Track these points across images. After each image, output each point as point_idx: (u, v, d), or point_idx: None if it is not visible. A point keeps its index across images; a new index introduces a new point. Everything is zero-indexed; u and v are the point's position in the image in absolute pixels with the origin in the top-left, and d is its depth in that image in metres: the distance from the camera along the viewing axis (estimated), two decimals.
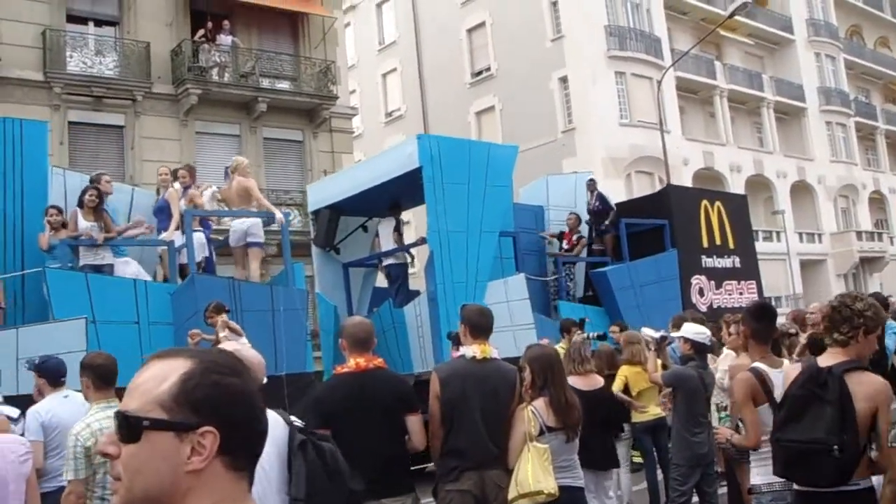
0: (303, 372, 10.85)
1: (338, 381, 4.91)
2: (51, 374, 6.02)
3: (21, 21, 20.02)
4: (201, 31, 22.38)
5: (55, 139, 19.94)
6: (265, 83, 23.43)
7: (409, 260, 14.22)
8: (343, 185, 13.49)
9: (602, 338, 9.93)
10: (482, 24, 36.82)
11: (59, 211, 10.50)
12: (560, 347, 11.12)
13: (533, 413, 5.17)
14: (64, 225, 10.50)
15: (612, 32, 33.84)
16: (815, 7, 45.26)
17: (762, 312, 5.16)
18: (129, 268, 11.01)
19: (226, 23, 22.81)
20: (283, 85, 24.01)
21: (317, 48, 24.84)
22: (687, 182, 33.31)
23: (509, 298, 11.68)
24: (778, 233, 39.16)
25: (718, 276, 15.92)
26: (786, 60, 44.21)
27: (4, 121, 11.01)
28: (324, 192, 14.10)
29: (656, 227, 15.42)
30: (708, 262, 15.83)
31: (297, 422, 3.44)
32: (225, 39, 22.72)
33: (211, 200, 12.39)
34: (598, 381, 7.15)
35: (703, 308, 14.44)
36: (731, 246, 16.37)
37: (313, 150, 24.53)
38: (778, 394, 4.46)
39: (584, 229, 15.28)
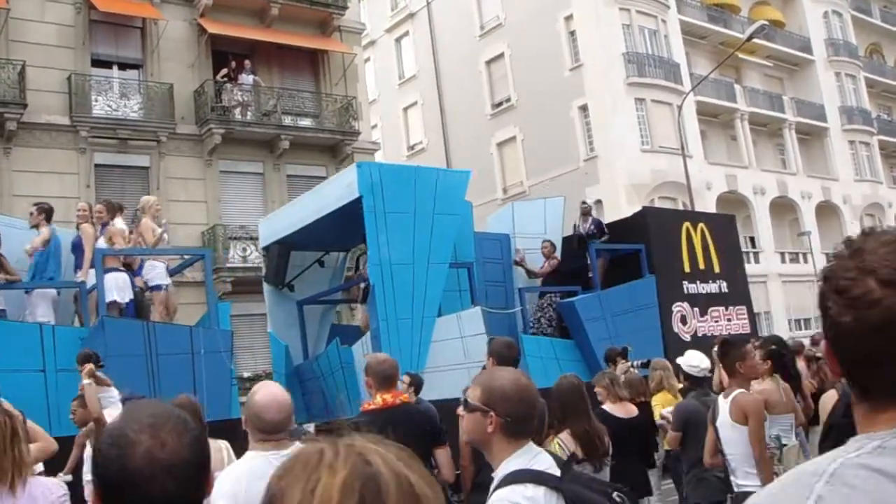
0: (227, 418, 9.52)
1: (367, 418, 4.90)
2: None
3: (47, 67, 20.35)
4: (223, 71, 22.70)
5: (81, 182, 20.23)
6: (287, 121, 23.68)
7: None
8: (289, 220, 12.68)
9: (646, 365, 9.82)
10: (501, 56, 37.02)
11: None
12: None
13: (560, 445, 5.19)
14: None
15: (630, 59, 33.88)
16: (833, 27, 45.11)
17: (723, 347, 5.90)
18: (38, 309, 10.51)
19: (247, 62, 23.11)
20: (306, 122, 24.25)
21: (337, 84, 25.08)
22: (710, 206, 33.18)
23: (463, 334, 10.93)
24: (804, 254, 38.86)
25: (703, 303, 14.90)
26: (806, 81, 44.06)
27: None
28: (272, 226, 13.31)
29: (632, 253, 14.44)
30: (691, 287, 14.82)
31: None
32: (247, 79, 23.00)
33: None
34: (633, 410, 7.10)
35: (687, 337, 13.87)
36: (717, 270, 15.35)
37: None
38: (721, 419, 5.50)
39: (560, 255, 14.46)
